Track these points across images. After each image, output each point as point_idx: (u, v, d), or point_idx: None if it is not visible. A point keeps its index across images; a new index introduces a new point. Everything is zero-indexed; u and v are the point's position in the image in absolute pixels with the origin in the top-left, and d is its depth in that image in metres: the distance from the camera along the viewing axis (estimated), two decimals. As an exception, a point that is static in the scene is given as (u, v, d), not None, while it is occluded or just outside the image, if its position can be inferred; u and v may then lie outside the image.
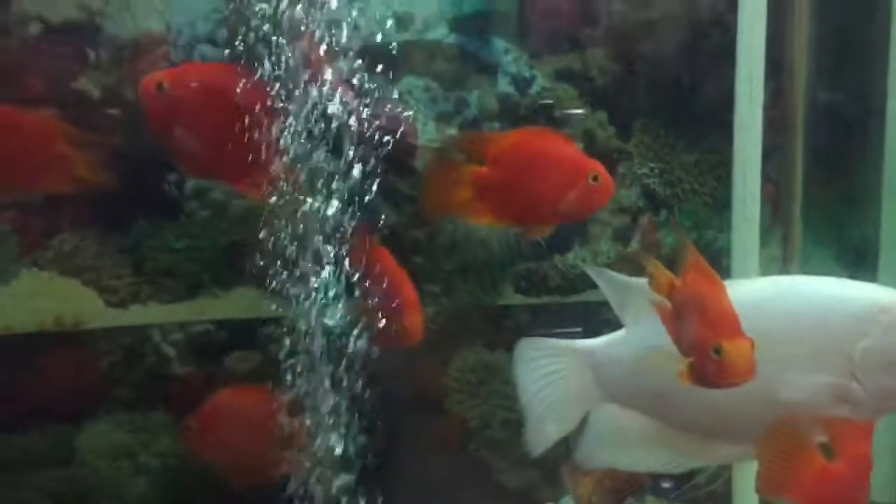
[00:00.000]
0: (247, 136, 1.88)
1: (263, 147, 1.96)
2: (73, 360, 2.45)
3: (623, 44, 2.59)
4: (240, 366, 2.48)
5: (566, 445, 2.11)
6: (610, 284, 1.84)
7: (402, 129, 2.43)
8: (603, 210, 2.64)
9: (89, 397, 2.47)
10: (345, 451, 2.22)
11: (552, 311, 2.58)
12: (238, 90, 1.89)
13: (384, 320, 2.02)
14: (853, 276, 2.46)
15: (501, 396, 2.64)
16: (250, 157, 1.89)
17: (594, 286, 2.49)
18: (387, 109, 2.41)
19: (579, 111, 2.65)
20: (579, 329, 2.24)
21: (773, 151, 2.61)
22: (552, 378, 1.90)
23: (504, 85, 2.57)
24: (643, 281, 1.71)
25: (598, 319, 2.18)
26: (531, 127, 2.19)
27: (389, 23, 2.47)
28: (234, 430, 2.25)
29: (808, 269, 2.61)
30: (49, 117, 1.92)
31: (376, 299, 2.03)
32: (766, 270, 2.56)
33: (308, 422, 2.20)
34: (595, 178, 1.83)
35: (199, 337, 2.48)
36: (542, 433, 1.91)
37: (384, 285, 2.04)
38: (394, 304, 2.02)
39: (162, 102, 1.85)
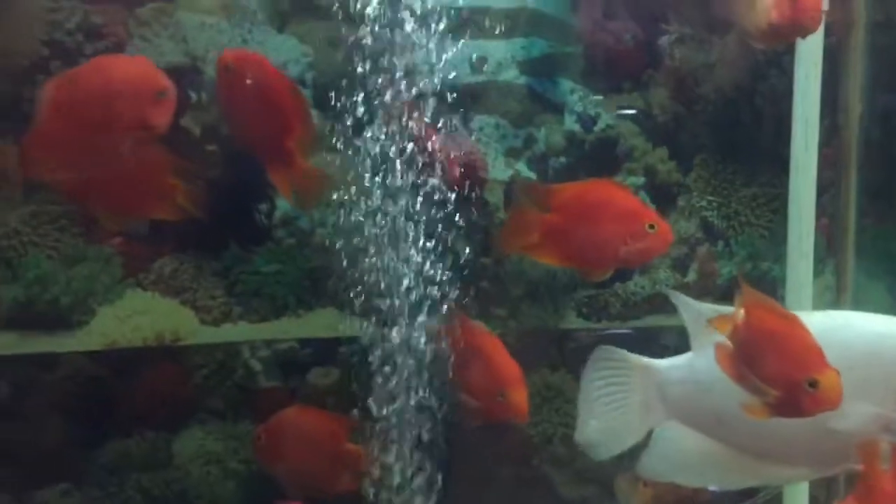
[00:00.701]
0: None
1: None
2: (171, 373, 2.58)
3: (684, 84, 2.66)
4: (320, 381, 2.60)
5: (624, 459, 2.23)
6: (686, 308, 1.87)
7: (475, 163, 2.61)
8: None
9: (185, 407, 2.59)
10: (413, 463, 2.34)
11: (613, 336, 2.64)
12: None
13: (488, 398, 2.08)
14: (904, 307, 2.58)
15: (563, 414, 2.73)
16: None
17: (653, 313, 2.65)
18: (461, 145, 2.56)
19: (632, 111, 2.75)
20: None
21: (829, 186, 2.69)
22: (618, 388, 1.95)
23: (570, 122, 2.65)
24: (714, 307, 1.81)
25: (657, 344, 2.28)
26: (594, 179, 2.24)
27: (465, 66, 2.64)
28: (295, 445, 2.32)
29: (860, 298, 2.65)
30: (159, 151, 2.07)
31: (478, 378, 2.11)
32: (820, 299, 2.62)
33: (375, 438, 2.28)
34: (652, 227, 1.90)
35: (283, 353, 2.59)
36: (598, 436, 1.96)
37: (486, 363, 2.11)
38: (495, 383, 2.08)
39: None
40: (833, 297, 2.63)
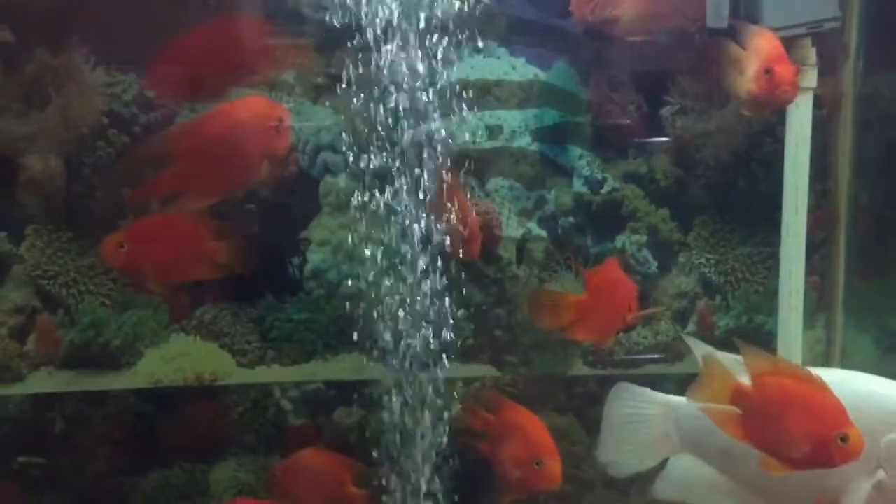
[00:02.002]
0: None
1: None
2: (209, 410, 2.71)
3: (684, 151, 2.73)
4: (344, 420, 2.71)
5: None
6: (700, 352, 1.93)
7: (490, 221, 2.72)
8: (664, 294, 2.83)
9: (221, 441, 2.73)
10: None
11: (616, 382, 2.75)
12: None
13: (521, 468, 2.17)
14: (890, 360, 2.64)
15: (569, 455, 2.81)
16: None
17: (654, 362, 2.73)
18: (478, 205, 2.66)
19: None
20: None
21: (820, 245, 2.76)
22: (638, 419, 2.07)
23: (579, 185, 2.73)
24: (728, 356, 1.87)
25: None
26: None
27: (481, 133, 2.75)
28: (304, 485, 2.40)
29: (849, 351, 2.73)
30: (200, 219, 2.20)
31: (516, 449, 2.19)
32: (811, 352, 2.69)
33: (387, 478, 2.38)
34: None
35: (311, 394, 2.72)
36: (618, 457, 2.08)
37: (523, 435, 2.20)
38: (531, 452, 2.16)
39: None
40: (823, 350, 2.70)
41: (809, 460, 1.78)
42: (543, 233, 2.71)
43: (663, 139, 2.73)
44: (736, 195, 2.74)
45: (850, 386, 1.89)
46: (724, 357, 1.89)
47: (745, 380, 1.81)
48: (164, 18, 2.56)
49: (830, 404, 1.78)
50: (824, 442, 1.75)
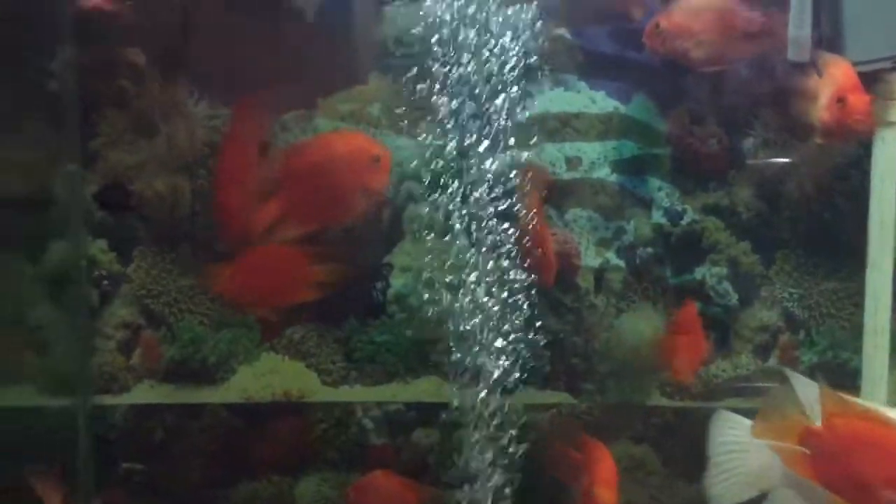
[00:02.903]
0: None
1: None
2: (295, 426, 2.78)
3: (767, 183, 2.69)
4: (422, 441, 2.75)
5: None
6: (798, 384, 1.89)
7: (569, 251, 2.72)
8: (745, 327, 2.77)
9: (306, 456, 2.79)
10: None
11: (693, 413, 2.67)
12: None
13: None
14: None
15: (645, 485, 2.78)
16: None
17: (732, 395, 2.66)
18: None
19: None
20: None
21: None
22: (738, 449, 2.01)
23: (658, 217, 2.72)
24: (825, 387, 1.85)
25: None
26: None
27: (560, 164, 2.77)
28: None
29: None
30: (302, 246, 2.30)
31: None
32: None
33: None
34: None
35: (392, 415, 2.77)
36: (719, 491, 2.04)
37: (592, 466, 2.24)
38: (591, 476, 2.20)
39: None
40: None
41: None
42: (622, 263, 2.71)
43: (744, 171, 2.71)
44: (820, 229, 2.67)
45: None
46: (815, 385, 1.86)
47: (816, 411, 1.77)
48: (260, 57, 2.74)
49: None
50: None
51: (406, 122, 2.71)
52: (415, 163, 2.69)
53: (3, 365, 2.68)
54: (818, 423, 1.78)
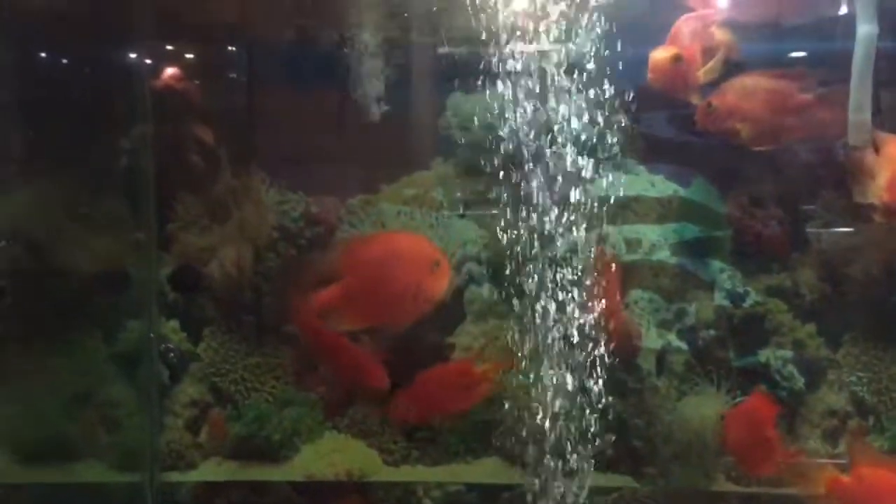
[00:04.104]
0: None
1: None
2: None
3: (831, 265, 2.65)
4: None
5: None
6: None
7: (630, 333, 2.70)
8: (812, 412, 2.70)
9: None
10: None
11: (762, 500, 2.60)
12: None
13: None
14: None
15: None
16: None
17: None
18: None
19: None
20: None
21: None
22: None
23: (720, 298, 2.68)
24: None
25: None
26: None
27: (620, 246, 2.77)
28: None
29: None
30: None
31: None
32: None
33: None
34: None
35: (452, 495, 2.73)
36: None
37: None
38: None
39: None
40: None
41: None
42: (683, 345, 2.67)
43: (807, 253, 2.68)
44: (888, 311, 2.61)
45: None
46: None
47: None
48: (328, 143, 2.83)
49: None
50: None
51: (468, 205, 2.83)
52: (476, 246, 2.78)
53: (75, 441, 2.73)
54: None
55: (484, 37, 2.28)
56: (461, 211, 2.77)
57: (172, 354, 2.78)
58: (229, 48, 2.96)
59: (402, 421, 2.56)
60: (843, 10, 2.43)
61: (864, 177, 2.27)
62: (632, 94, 2.49)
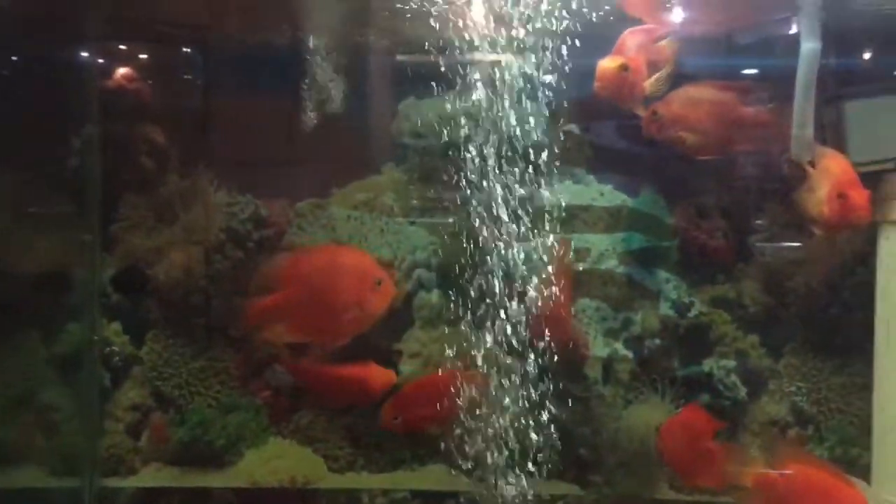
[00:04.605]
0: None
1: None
2: None
3: (774, 278, 2.68)
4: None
5: None
6: None
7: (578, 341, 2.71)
8: (753, 421, 2.73)
9: None
10: None
11: None
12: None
13: None
14: None
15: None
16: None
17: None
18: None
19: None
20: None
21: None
22: None
23: (665, 308, 2.70)
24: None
25: None
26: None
27: (570, 255, 2.77)
28: None
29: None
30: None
31: None
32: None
33: None
34: None
35: (398, 502, 2.69)
36: None
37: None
38: None
39: None
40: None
41: None
42: (630, 354, 2.68)
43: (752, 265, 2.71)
44: (828, 323, 2.65)
45: None
46: None
47: None
48: (279, 146, 2.80)
49: (852, 498, 1.83)
50: None
51: (418, 211, 2.82)
52: (426, 252, 2.76)
53: (13, 445, 2.65)
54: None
55: (438, 43, 2.30)
56: (412, 217, 2.77)
57: (118, 358, 2.72)
58: (180, 49, 2.91)
59: (390, 429, 2.54)
60: (791, 27, 2.50)
61: (805, 190, 2.32)
62: (582, 105, 2.54)
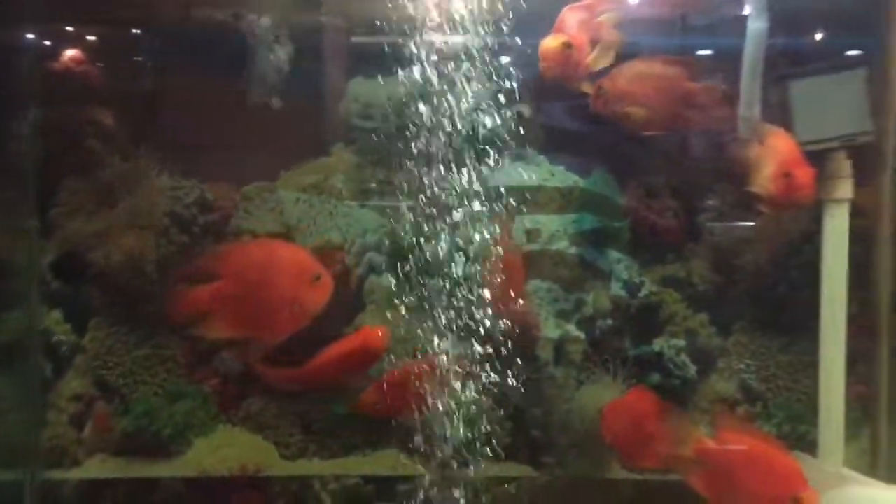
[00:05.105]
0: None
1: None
2: (252, 501, 2.66)
3: (723, 256, 2.69)
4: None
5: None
6: (809, 467, 2.05)
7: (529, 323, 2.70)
8: (703, 399, 2.75)
9: None
10: None
11: (652, 486, 2.59)
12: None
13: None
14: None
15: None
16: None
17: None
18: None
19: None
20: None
21: (864, 355, 2.64)
22: None
23: (617, 288, 2.70)
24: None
25: (691, 496, 2.20)
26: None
27: (521, 236, 2.76)
28: None
29: (894, 464, 2.58)
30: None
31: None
32: (856, 463, 2.52)
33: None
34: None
35: (350, 488, 2.67)
36: None
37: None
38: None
39: None
40: (869, 462, 2.53)
41: None
42: (581, 334, 2.67)
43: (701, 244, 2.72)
44: (776, 302, 2.67)
45: None
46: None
47: None
48: (223, 129, 2.73)
49: (788, 467, 1.87)
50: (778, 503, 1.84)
51: (368, 193, 2.77)
52: (377, 235, 2.72)
53: (-50, 437, 2.60)
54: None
55: (387, 23, 2.26)
56: (362, 200, 2.72)
57: (66, 348, 2.63)
58: (123, 30, 2.82)
59: (372, 414, 2.49)
60: (738, 5, 2.50)
61: (752, 169, 2.33)
62: (533, 85, 2.51)
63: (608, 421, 2.30)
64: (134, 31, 2.82)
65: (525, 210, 2.71)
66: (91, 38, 2.82)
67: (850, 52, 2.49)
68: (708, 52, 2.66)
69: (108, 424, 2.59)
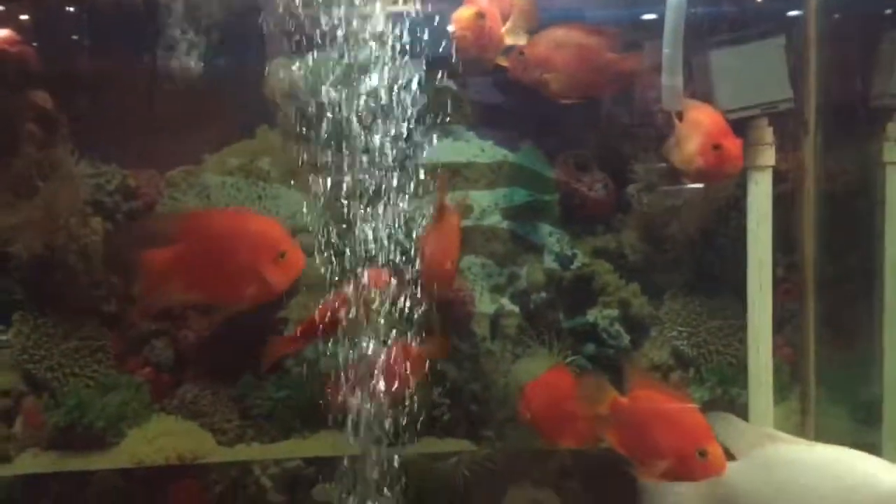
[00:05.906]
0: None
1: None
2: (191, 489, 2.65)
3: (652, 226, 2.70)
4: (323, 497, 2.66)
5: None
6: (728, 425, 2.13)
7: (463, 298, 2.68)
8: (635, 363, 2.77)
9: None
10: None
11: (593, 455, 2.58)
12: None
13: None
14: (865, 432, 2.55)
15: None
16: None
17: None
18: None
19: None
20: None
21: (791, 317, 2.68)
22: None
23: (549, 261, 2.70)
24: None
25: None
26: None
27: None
28: None
29: (823, 422, 2.60)
30: None
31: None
32: (786, 423, 2.58)
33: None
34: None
35: (291, 471, 2.66)
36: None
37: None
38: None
39: None
40: (798, 421, 2.59)
41: (672, 473, 1.92)
42: (516, 308, 2.67)
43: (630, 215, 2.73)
44: (704, 269, 2.70)
45: (858, 465, 1.95)
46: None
47: None
48: (143, 113, 2.65)
49: (694, 421, 1.91)
50: (685, 456, 1.88)
51: (295, 174, 2.72)
52: (306, 215, 2.68)
53: None
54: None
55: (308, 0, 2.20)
56: (289, 180, 2.66)
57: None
58: (33, 8, 2.70)
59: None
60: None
61: (674, 143, 2.33)
62: (458, 60, 2.48)
63: (527, 400, 2.29)
64: (42, 10, 2.69)
65: (456, 186, 2.72)
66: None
67: (769, 20, 2.51)
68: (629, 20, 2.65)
69: (40, 419, 2.51)
